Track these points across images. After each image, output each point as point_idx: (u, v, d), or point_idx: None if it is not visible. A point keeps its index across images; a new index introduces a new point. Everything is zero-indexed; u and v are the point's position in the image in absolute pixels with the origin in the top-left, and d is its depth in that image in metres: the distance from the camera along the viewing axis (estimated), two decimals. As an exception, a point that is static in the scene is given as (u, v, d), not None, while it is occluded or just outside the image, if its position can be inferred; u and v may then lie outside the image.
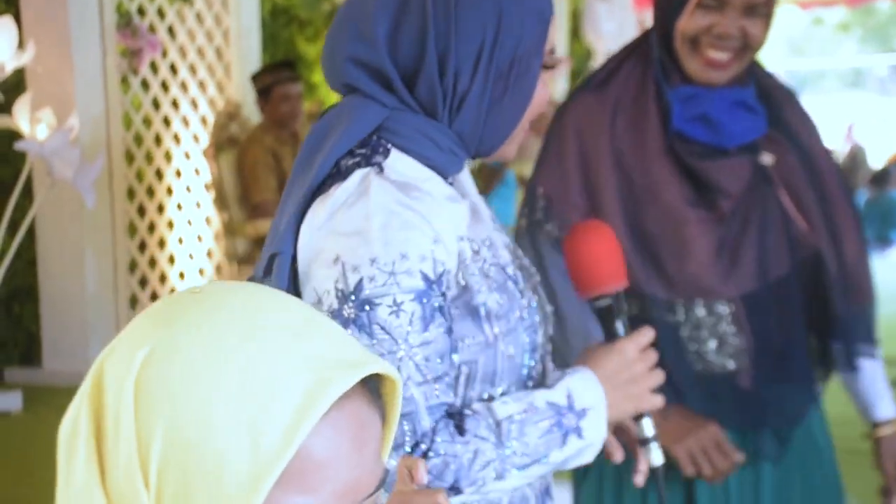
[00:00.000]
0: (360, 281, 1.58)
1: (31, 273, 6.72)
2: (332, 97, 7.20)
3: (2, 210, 5.94)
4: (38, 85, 6.16)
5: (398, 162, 1.65)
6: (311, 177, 1.68)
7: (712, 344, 2.42)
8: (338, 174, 1.65)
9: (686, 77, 2.35)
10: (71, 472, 0.89)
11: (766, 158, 2.43)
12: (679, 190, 2.39)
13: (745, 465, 2.43)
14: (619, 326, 1.73)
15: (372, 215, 1.59)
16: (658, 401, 1.75)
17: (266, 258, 1.70)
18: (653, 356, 1.73)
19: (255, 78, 6.66)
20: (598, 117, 2.46)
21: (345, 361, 0.88)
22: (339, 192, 1.61)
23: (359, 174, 1.61)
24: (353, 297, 1.58)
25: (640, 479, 1.84)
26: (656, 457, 1.75)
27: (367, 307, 1.57)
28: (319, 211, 1.63)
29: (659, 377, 1.73)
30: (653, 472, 1.77)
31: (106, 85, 6.66)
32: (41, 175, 5.96)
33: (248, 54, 7.68)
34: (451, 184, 1.73)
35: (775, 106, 2.47)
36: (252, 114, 7.10)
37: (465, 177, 1.81)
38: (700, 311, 2.41)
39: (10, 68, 5.47)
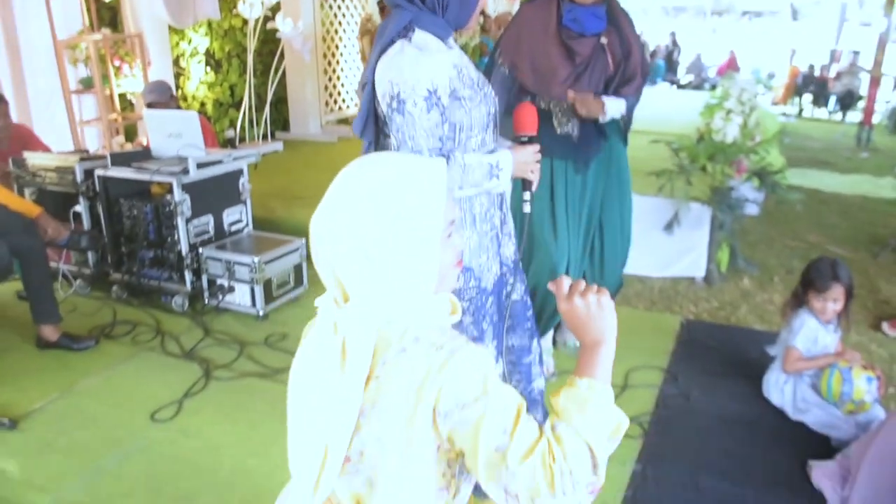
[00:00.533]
0: (399, 91, 1.64)
1: (284, 90, 6.88)
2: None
3: (272, 63, 6.36)
4: (286, 7, 6.27)
5: (418, 35, 1.70)
6: (380, 45, 1.71)
7: (565, 119, 2.55)
8: (391, 43, 1.69)
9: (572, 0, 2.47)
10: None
11: (603, 39, 2.51)
12: (559, 51, 2.48)
13: (577, 174, 2.61)
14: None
15: (404, 60, 1.65)
16: (536, 178, 1.84)
17: (361, 84, 1.81)
18: (538, 157, 1.82)
19: (379, 2, 6.58)
20: (530, 16, 2.55)
21: (439, 164, 1.03)
22: (392, 50, 1.68)
23: (399, 42, 1.68)
24: (396, 98, 1.65)
25: (526, 208, 1.89)
26: (527, 207, 1.86)
27: (402, 102, 1.63)
28: (383, 60, 1.69)
29: (538, 168, 1.83)
30: (524, 216, 1.87)
31: (314, 7, 6.71)
32: (287, 47, 6.21)
33: (375, -7, 7.38)
34: (450, 47, 1.77)
35: (612, 15, 2.52)
36: (377, 19, 6.93)
37: (457, 47, 1.82)
38: (563, 105, 2.53)
39: (274, 1, 5.79)
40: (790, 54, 13.35)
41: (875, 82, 9.57)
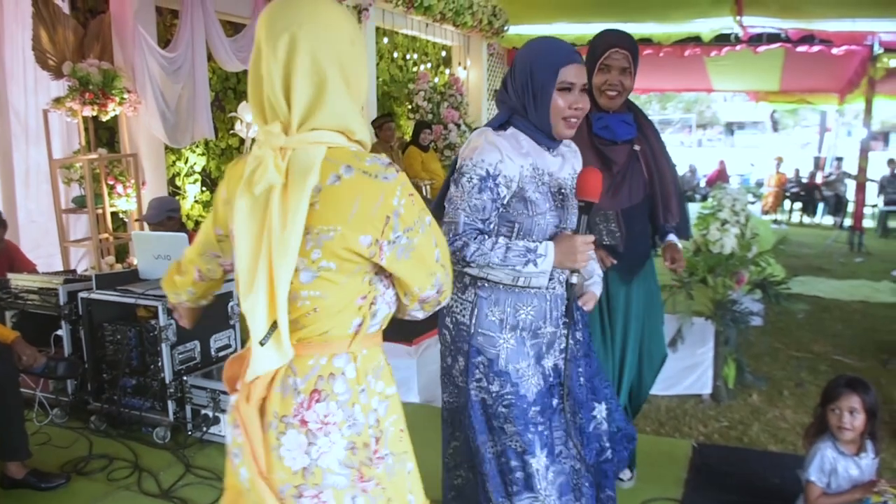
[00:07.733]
0: (463, 165, 1.78)
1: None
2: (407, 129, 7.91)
3: (233, 157, 6.76)
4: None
5: (510, 132, 1.83)
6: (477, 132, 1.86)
7: (607, 230, 2.49)
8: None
9: (599, 108, 2.43)
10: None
11: (636, 147, 2.49)
12: (595, 161, 2.39)
13: (621, 285, 2.53)
14: (582, 220, 1.79)
15: (479, 141, 1.80)
16: (584, 265, 1.78)
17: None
18: (590, 246, 1.78)
19: (374, 122, 6.80)
20: None
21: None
22: (475, 132, 1.85)
23: (484, 128, 1.86)
24: (459, 170, 1.79)
25: (574, 278, 1.84)
26: (574, 278, 1.81)
27: (462, 175, 1.76)
28: (468, 139, 1.86)
29: (587, 257, 1.77)
30: (570, 285, 1.82)
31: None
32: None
33: (371, 111, 7.46)
34: (555, 155, 1.88)
35: (640, 123, 2.52)
36: (373, 139, 6.59)
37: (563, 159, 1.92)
38: (606, 216, 2.47)
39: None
40: (776, 163, 13.56)
41: (861, 188, 9.68)
